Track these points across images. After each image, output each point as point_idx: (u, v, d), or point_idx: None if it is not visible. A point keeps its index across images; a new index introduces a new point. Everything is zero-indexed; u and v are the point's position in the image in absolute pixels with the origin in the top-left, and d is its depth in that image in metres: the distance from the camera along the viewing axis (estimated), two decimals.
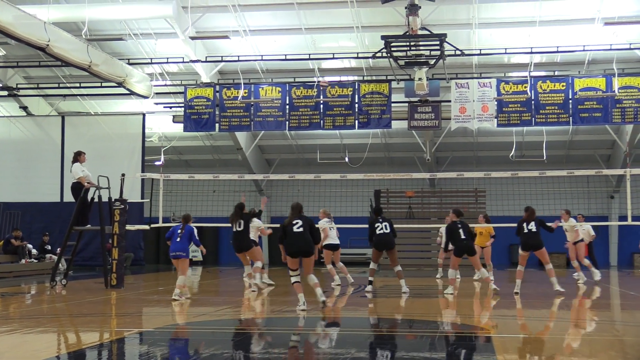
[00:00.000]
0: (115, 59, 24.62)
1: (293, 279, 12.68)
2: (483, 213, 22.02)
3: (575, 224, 19.93)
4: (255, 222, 18.06)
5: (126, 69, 24.85)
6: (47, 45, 20.22)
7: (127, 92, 26.11)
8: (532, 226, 15.93)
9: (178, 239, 14.67)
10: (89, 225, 18.41)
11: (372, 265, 16.61)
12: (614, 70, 24.36)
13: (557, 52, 25.64)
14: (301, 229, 12.55)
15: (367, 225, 26.89)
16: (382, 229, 16.17)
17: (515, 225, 16.37)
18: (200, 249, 15.70)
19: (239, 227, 16.25)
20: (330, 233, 18.63)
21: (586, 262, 19.96)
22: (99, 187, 18.16)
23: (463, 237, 15.92)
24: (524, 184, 27.83)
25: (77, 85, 28.86)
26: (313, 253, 12.66)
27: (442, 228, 22.55)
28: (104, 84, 26.80)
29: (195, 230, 14.99)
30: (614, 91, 24.12)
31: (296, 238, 12.54)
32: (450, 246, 16.29)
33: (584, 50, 25.36)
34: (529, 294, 16.25)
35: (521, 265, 16.39)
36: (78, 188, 18.05)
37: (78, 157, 18.38)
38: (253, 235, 18.34)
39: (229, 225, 16.62)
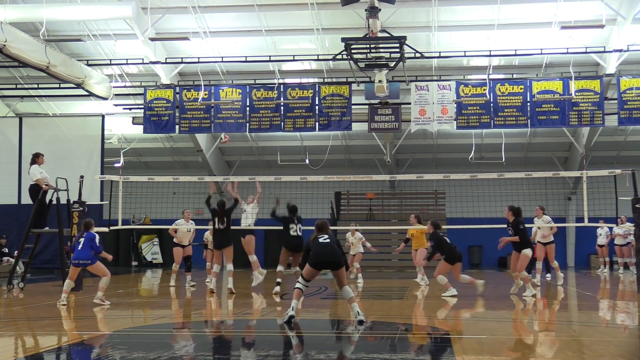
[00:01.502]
0: (73, 60, 24.36)
1: (298, 285, 11.45)
2: (415, 213, 21.79)
3: (550, 222, 19.99)
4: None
5: (85, 70, 24.61)
6: (4, 45, 19.95)
7: (86, 93, 25.84)
8: None
9: (80, 247, 14.31)
10: (47, 228, 18.23)
11: (279, 268, 16.31)
12: (570, 74, 24.68)
13: (515, 55, 25.96)
14: (328, 240, 11.43)
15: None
16: (295, 230, 15.99)
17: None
18: (104, 256, 15.39)
19: (222, 224, 16.62)
20: None
21: (555, 264, 19.92)
22: (57, 189, 17.99)
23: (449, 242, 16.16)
24: (482, 185, 28.03)
25: (35, 86, 28.55)
26: (342, 265, 11.39)
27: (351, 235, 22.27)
28: (62, 85, 26.54)
29: (98, 237, 14.63)
30: (571, 94, 24.44)
31: (324, 247, 11.34)
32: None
33: (541, 53, 25.70)
34: (488, 296, 16.39)
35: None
36: (36, 190, 17.87)
37: (36, 159, 18.22)
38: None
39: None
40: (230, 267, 16.84)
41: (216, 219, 16.71)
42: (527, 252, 15.56)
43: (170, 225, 19.78)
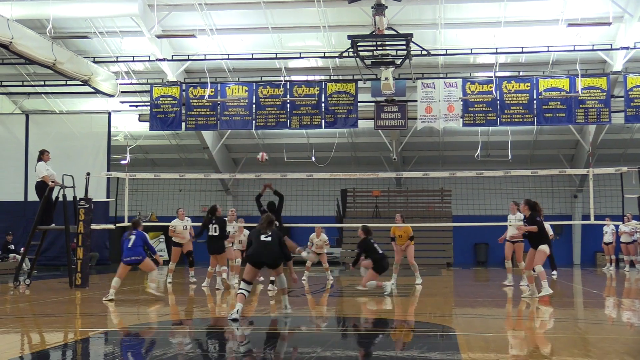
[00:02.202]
0: (80, 57, 24.42)
1: (240, 290, 11.46)
2: (400, 212, 21.60)
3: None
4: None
5: (91, 67, 24.66)
6: (11, 42, 20.01)
7: (93, 90, 25.93)
8: None
9: (130, 245, 14.65)
10: (53, 225, 18.29)
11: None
12: (577, 71, 24.64)
13: (522, 52, 25.89)
14: (269, 239, 11.53)
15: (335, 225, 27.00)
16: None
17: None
18: (156, 258, 15.66)
19: (215, 231, 16.60)
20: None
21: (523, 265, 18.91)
22: (64, 186, 18.05)
23: (380, 251, 15.77)
24: (489, 183, 28.06)
25: (42, 83, 28.60)
26: (279, 265, 11.72)
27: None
28: (69, 82, 26.61)
29: (148, 236, 15.06)
30: (578, 92, 24.41)
31: (263, 246, 11.52)
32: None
33: (548, 51, 25.62)
34: (493, 293, 16.41)
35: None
36: (42, 187, 17.93)
37: (42, 155, 18.29)
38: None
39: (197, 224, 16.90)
40: (223, 268, 17.07)
41: (210, 226, 16.67)
42: (545, 248, 14.61)
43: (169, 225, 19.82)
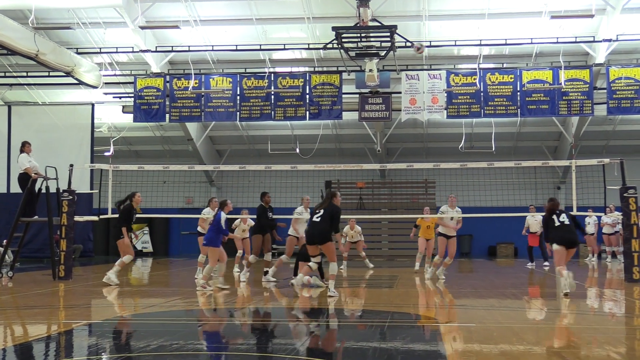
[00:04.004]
0: (63, 48, 24.26)
1: (311, 265, 13.90)
2: (430, 205, 21.92)
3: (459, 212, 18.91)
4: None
5: (75, 58, 24.52)
6: None
7: (76, 81, 25.78)
8: (564, 218, 13.94)
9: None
10: (36, 217, 18.22)
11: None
12: (560, 63, 24.75)
13: (506, 44, 25.96)
14: (319, 219, 13.46)
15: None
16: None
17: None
18: (230, 237, 15.81)
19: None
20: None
21: (448, 260, 17.95)
22: (47, 178, 17.98)
23: None
24: (472, 175, 28.14)
25: (24, 74, 28.39)
26: (326, 242, 13.43)
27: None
28: (51, 74, 26.45)
29: (224, 216, 14.77)
30: (561, 84, 24.53)
31: (312, 226, 13.61)
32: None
33: (531, 43, 25.69)
34: (476, 284, 16.47)
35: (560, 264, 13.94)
36: (25, 179, 17.87)
37: (23, 147, 18.27)
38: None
39: (181, 216, 16.70)
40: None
41: None
42: (553, 247, 13.95)
43: (200, 215, 18.42)
